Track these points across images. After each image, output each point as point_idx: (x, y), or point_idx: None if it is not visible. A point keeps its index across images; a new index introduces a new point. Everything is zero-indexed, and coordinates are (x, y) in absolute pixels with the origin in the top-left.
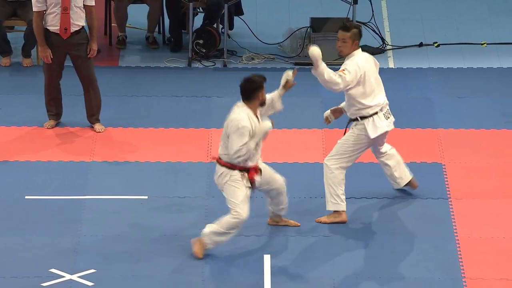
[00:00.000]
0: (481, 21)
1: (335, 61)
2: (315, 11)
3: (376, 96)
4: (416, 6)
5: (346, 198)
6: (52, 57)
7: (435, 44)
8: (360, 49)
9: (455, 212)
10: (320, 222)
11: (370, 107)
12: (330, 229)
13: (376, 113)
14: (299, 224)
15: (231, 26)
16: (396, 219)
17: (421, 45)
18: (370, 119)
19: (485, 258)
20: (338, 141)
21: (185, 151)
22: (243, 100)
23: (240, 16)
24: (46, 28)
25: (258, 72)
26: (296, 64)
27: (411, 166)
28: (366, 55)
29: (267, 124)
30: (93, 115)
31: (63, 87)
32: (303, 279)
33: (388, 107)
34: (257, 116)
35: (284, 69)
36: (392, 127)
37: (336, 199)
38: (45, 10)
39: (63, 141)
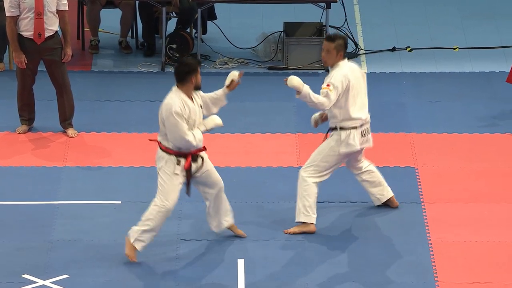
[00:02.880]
0: (453, 25)
1: (309, 66)
2: (288, 16)
3: (358, 110)
4: (389, 11)
5: (319, 202)
6: (26, 62)
7: (408, 49)
8: (346, 60)
9: (428, 216)
10: (290, 233)
11: (351, 119)
12: (303, 234)
13: (356, 128)
14: (245, 235)
15: (204, 31)
16: (369, 223)
17: (394, 49)
18: (347, 132)
19: (458, 261)
20: (316, 149)
21: None
22: (177, 84)
23: (213, 21)
24: (20, 34)
25: None
26: (269, 68)
27: (384, 170)
28: (352, 65)
29: (218, 120)
30: (66, 120)
31: (35, 92)
32: (277, 284)
33: (368, 125)
34: (192, 100)
35: (257, 74)
36: (368, 145)
37: (308, 211)
38: (18, 15)
39: (36, 146)
